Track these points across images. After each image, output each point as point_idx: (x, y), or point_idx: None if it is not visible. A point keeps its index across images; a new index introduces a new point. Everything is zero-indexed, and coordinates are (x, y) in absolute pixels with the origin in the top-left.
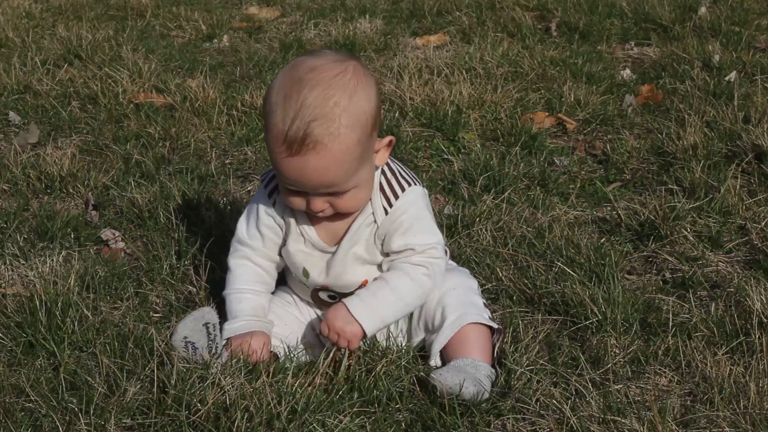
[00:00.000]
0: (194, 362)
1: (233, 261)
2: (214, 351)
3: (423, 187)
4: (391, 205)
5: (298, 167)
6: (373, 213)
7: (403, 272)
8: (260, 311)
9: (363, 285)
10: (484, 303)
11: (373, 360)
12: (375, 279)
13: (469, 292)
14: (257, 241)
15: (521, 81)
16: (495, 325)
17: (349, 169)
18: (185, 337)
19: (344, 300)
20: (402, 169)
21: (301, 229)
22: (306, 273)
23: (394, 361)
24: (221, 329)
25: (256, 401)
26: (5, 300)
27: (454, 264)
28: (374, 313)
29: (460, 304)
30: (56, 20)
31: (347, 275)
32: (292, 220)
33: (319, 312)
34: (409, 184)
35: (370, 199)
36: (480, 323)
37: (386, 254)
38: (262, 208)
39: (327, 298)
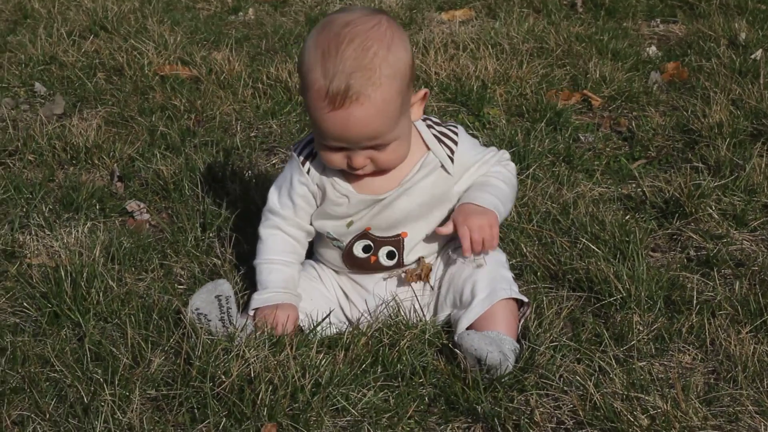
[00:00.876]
0: (206, 332)
1: (264, 231)
2: (226, 323)
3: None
4: (453, 152)
5: (342, 120)
6: (440, 161)
7: (496, 169)
8: (290, 283)
9: (402, 236)
10: (512, 276)
11: (398, 334)
12: (474, 184)
13: (498, 266)
14: (289, 210)
15: (547, 57)
16: (525, 299)
17: (391, 119)
18: (197, 309)
19: (464, 199)
20: (437, 118)
21: (341, 190)
22: (350, 223)
23: (417, 336)
24: (250, 299)
25: (281, 374)
26: (30, 270)
27: None
28: (496, 201)
29: (491, 279)
30: None
31: (390, 218)
32: (328, 186)
33: (344, 286)
34: (455, 127)
35: (429, 150)
36: (510, 298)
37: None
38: (295, 176)
39: (361, 251)
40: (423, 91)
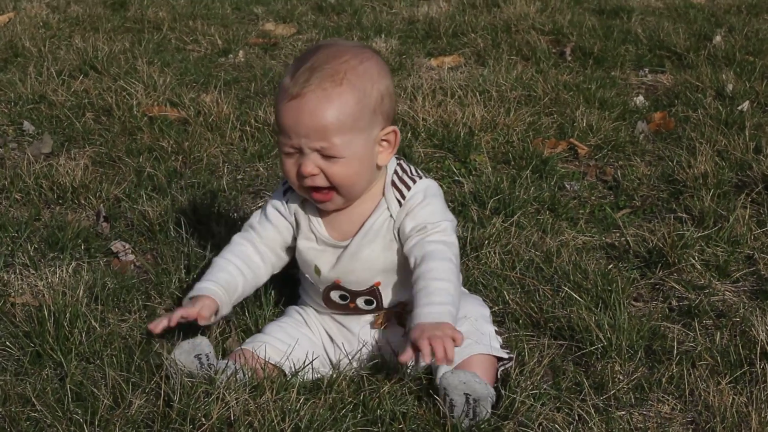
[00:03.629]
0: (187, 375)
1: (237, 237)
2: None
3: (435, 181)
4: (404, 197)
5: (295, 110)
6: (388, 208)
7: (428, 259)
8: (231, 287)
9: (376, 286)
10: (495, 330)
11: (379, 379)
12: (415, 286)
13: (480, 320)
14: (266, 229)
15: (534, 105)
16: (505, 355)
17: (343, 124)
18: (180, 362)
19: (416, 319)
20: (414, 167)
21: (311, 226)
22: (317, 270)
23: (398, 381)
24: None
25: (260, 418)
26: (14, 309)
27: (465, 291)
28: (448, 307)
29: (471, 332)
30: (73, 31)
31: (358, 272)
32: (302, 219)
33: (330, 330)
34: (420, 177)
35: (384, 196)
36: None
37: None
38: (276, 203)
39: (338, 298)
40: (392, 127)
